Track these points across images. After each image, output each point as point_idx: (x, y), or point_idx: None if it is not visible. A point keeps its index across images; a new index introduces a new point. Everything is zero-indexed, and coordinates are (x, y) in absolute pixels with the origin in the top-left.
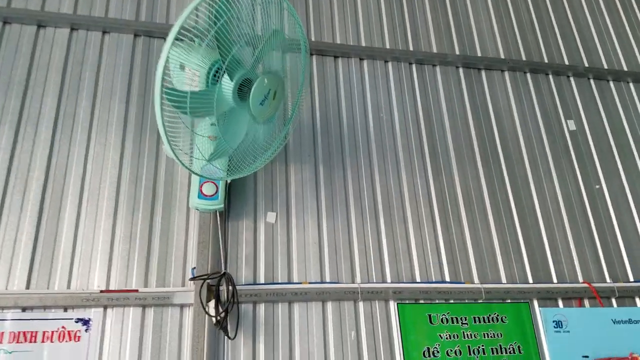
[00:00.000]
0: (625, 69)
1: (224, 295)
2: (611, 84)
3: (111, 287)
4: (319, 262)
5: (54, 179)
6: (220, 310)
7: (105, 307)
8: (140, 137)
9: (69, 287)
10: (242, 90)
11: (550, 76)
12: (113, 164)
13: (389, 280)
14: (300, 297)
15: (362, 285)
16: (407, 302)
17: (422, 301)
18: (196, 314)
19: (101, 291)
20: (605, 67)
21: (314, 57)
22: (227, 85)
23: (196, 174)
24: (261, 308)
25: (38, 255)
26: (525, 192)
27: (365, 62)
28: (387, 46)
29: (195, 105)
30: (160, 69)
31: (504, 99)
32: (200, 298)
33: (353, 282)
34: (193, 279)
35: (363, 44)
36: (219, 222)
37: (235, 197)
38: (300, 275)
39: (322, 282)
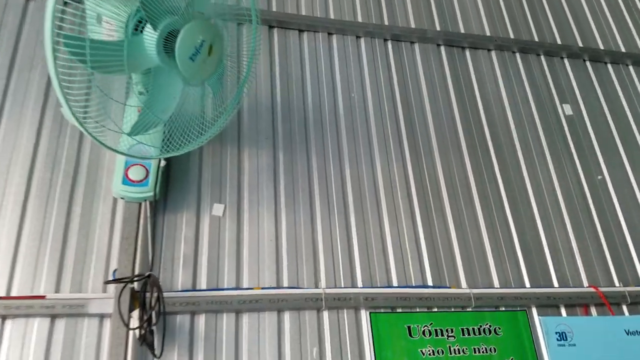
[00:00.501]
0: (623, 50)
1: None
2: (609, 66)
3: (13, 293)
4: (276, 264)
5: None
6: (146, 320)
7: (3, 318)
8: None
9: None
10: (170, 42)
11: (542, 57)
12: (27, 142)
13: (360, 284)
14: (250, 306)
15: (328, 291)
16: (381, 310)
17: (399, 310)
18: (115, 326)
19: None
20: (602, 47)
21: (275, 30)
22: (150, 36)
23: (114, 150)
24: (201, 319)
25: None
26: (519, 183)
27: (334, 38)
28: (360, 19)
29: (100, 57)
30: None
31: (492, 80)
32: (119, 306)
33: (316, 287)
34: (108, 282)
35: (332, 17)
36: (148, 214)
37: (175, 184)
38: (252, 279)
39: (278, 288)
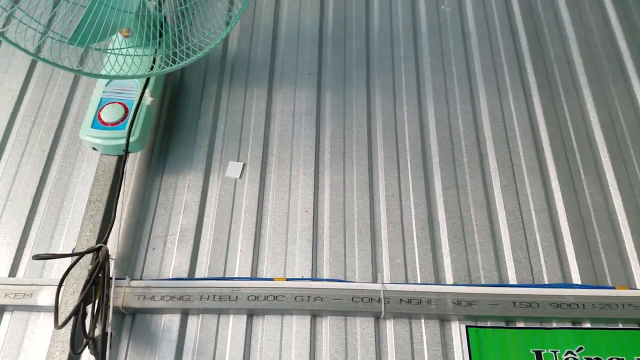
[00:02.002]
0: None
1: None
2: None
3: None
4: (312, 245)
5: None
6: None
7: None
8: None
9: None
10: None
11: None
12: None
13: (448, 280)
14: (269, 305)
15: (391, 287)
16: (488, 324)
17: (521, 324)
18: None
19: None
20: None
21: None
22: None
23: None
24: (196, 322)
25: None
26: None
27: None
28: None
29: None
30: None
31: None
32: (57, 296)
33: (374, 282)
34: (37, 257)
35: None
36: (122, 170)
37: (178, 137)
38: (275, 266)
39: (313, 280)
